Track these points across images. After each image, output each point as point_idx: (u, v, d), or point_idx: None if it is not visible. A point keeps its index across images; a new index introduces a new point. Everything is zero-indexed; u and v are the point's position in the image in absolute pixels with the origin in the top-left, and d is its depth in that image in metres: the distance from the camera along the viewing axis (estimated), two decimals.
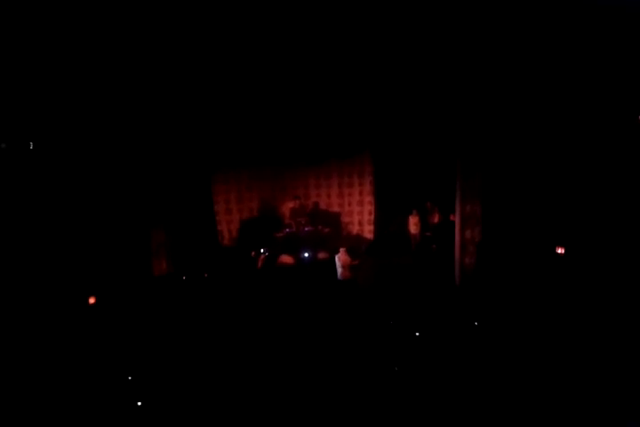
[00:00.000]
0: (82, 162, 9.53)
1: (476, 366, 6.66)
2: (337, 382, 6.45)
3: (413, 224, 13.10)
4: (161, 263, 11.22)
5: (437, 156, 12.05)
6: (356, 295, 10.07)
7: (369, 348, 7.42)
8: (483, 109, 9.71)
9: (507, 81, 9.07)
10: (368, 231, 14.08)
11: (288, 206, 13.92)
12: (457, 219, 10.52)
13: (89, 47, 7.62)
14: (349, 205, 14.25)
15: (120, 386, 6.59)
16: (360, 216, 14.23)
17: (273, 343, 7.76)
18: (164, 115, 9.99)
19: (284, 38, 7.87)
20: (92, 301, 9.02)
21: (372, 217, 13.95)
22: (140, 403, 6.13)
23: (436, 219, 13.17)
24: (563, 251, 9.59)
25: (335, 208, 14.34)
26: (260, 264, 11.16)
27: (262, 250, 11.59)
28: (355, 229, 14.28)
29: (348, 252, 10.61)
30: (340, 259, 10.52)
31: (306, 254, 11.89)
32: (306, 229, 13.30)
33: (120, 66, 8.26)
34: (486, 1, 7.11)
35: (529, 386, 6.06)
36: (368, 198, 13.96)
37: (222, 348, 7.71)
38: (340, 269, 10.54)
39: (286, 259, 12.21)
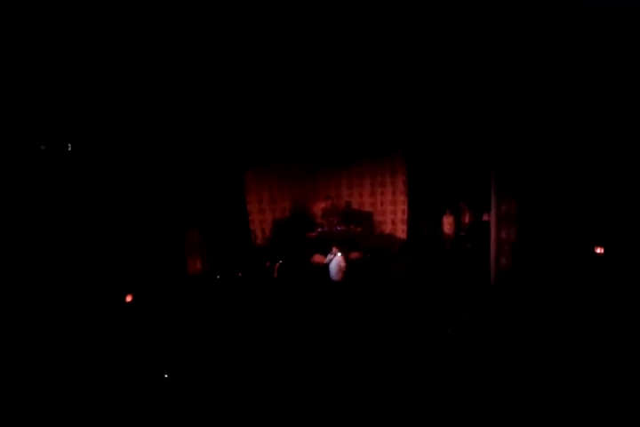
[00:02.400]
0: (121, 163, 9.73)
1: (506, 367, 6.54)
2: (366, 377, 6.44)
3: (448, 224, 12.94)
4: (195, 263, 11.38)
5: (471, 155, 11.86)
6: (386, 295, 10.02)
7: (399, 347, 7.38)
8: (518, 109, 9.51)
9: (543, 80, 8.88)
10: (401, 231, 13.96)
11: (320, 206, 13.95)
12: (492, 219, 10.33)
13: (123, 54, 7.78)
14: (382, 204, 14.17)
15: (154, 382, 6.73)
16: (393, 216, 14.12)
17: (303, 343, 7.80)
18: (198, 116, 10.12)
19: (319, 38, 7.86)
20: (128, 299, 9.21)
21: (406, 217, 13.82)
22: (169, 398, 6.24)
23: (468, 219, 12.97)
24: (602, 251, 9.30)
25: (367, 208, 14.28)
26: (275, 273, 11.13)
27: (278, 258, 11.48)
28: (388, 229, 14.18)
29: (342, 251, 10.52)
30: (336, 260, 10.31)
31: (338, 254, 11.85)
32: (338, 228, 13.29)
33: (154, 70, 8.41)
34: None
35: (560, 389, 5.92)
36: (401, 198, 13.84)
37: (253, 345, 7.79)
38: (334, 270, 10.31)
39: (319, 258, 12.22)
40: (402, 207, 13.88)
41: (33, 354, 7.25)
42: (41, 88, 8.09)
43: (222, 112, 10.19)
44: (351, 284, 10.50)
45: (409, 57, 8.58)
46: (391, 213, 14.11)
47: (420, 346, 7.41)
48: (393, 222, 14.13)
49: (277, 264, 11.18)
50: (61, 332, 7.91)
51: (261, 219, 14.08)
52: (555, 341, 7.18)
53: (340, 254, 10.33)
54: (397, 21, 7.36)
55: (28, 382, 6.62)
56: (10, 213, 8.20)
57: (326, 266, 10.58)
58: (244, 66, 8.69)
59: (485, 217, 11.65)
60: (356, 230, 13.42)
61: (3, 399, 6.15)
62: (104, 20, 6.87)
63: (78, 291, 8.73)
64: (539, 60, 8.40)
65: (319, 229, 13.41)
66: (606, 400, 5.66)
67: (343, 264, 10.31)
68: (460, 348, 7.27)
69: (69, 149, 9.10)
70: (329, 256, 10.50)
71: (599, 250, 9.43)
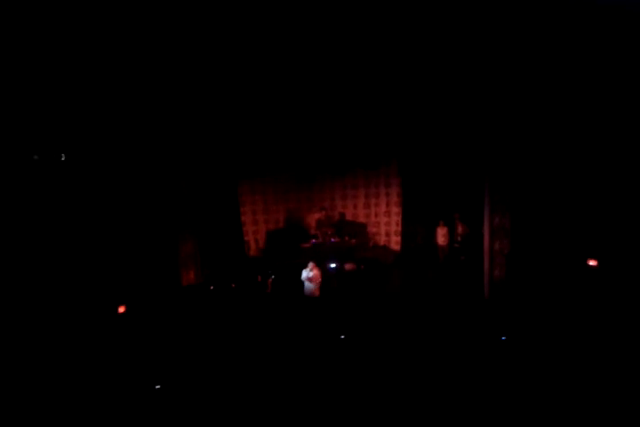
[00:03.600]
0: (115, 174, 9.72)
1: (500, 379, 6.53)
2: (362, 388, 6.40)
3: (441, 235, 12.96)
4: (189, 273, 11.32)
5: (465, 167, 11.94)
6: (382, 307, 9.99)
7: (393, 359, 7.36)
8: (512, 121, 9.59)
9: (540, 91, 8.97)
10: (395, 242, 13.98)
11: (314, 217, 13.96)
12: (485, 230, 10.37)
13: (118, 59, 7.82)
14: (376, 215, 14.19)
15: (146, 391, 6.67)
16: (387, 227, 14.15)
17: (294, 354, 7.77)
18: (193, 127, 10.16)
19: (312, 47, 7.92)
20: (121, 310, 9.14)
21: (400, 228, 13.84)
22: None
23: (462, 230, 13.01)
24: (595, 263, 9.35)
25: (361, 219, 14.30)
26: (269, 288, 11.08)
27: (270, 273, 11.45)
28: (382, 240, 14.20)
29: (319, 266, 10.35)
30: (309, 275, 10.09)
31: (332, 265, 11.85)
32: (332, 240, 13.29)
33: (148, 80, 8.45)
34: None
35: (553, 401, 5.92)
36: (395, 209, 13.87)
37: (247, 355, 7.74)
38: (310, 286, 10.09)
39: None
40: (396, 219, 13.90)
41: (27, 363, 7.18)
42: (33, 96, 8.09)
43: (216, 123, 10.23)
44: (333, 302, 10.36)
45: (404, 67, 8.67)
46: (385, 224, 14.13)
47: (414, 356, 7.40)
48: (387, 234, 14.14)
49: (270, 279, 11.16)
50: (54, 342, 7.85)
51: (255, 230, 14.06)
52: (548, 351, 7.19)
53: (314, 271, 10.11)
54: (392, 30, 7.41)
55: (21, 391, 6.55)
56: (2, 223, 8.16)
57: (335, 274, 10.47)
58: (238, 76, 8.75)
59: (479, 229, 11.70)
60: (351, 242, 13.41)
61: None
62: (99, 25, 6.91)
63: (71, 301, 8.68)
64: (533, 72, 8.48)
65: (313, 241, 13.39)
66: (599, 408, 5.66)
67: (317, 280, 10.13)
68: (455, 358, 7.26)
69: (62, 159, 9.08)
70: (305, 273, 10.18)
71: (592, 262, 9.47)
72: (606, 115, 8.94)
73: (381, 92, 9.53)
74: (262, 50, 7.94)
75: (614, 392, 6.00)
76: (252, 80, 8.89)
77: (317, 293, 10.18)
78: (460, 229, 13.05)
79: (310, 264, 10.23)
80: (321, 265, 10.91)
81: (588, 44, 7.63)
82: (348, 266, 12.28)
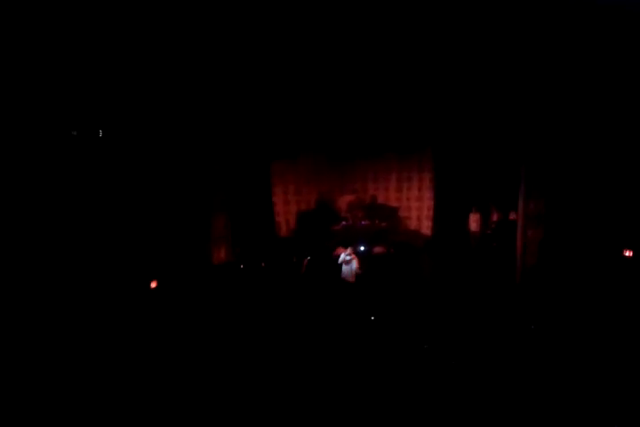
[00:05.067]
0: (149, 151, 9.89)
1: (528, 366, 6.46)
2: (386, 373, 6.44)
3: (474, 222, 12.79)
4: (220, 252, 11.50)
5: (500, 153, 11.69)
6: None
7: (419, 343, 7.35)
8: (550, 107, 9.33)
9: (574, 77, 8.74)
10: (426, 227, 13.87)
11: (345, 200, 13.95)
12: (519, 217, 10.18)
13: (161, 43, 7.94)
14: (408, 200, 14.09)
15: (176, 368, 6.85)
16: (419, 212, 14.04)
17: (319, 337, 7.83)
18: (228, 106, 10.22)
19: (351, 30, 7.86)
20: (153, 285, 9.38)
21: (431, 213, 13.71)
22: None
23: (495, 217, 12.81)
24: (631, 254, 9.09)
25: (393, 203, 14.22)
26: (303, 269, 11.12)
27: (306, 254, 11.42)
28: (412, 225, 14.11)
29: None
30: (347, 259, 10.02)
31: (362, 248, 11.85)
32: (362, 222, 13.28)
33: (183, 59, 8.54)
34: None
35: (582, 390, 5.83)
36: (427, 194, 13.74)
37: (274, 336, 7.85)
38: (347, 269, 10.03)
39: (342, 251, 12.21)
40: (427, 204, 13.78)
41: (57, 336, 7.45)
42: (76, 71, 8.27)
43: (252, 103, 10.27)
44: (364, 286, 10.25)
45: (444, 57, 8.57)
46: (416, 209, 14.02)
47: (440, 341, 7.38)
48: (418, 218, 14.04)
49: (306, 260, 11.18)
50: (85, 315, 8.12)
51: (286, 210, 14.12)
52: (577, 340, 7.07)
53: (354, 259, 10.06)
54: (430, 11, 7.34)
55: (52, 365, 6.80)
56: (43, 197, 8.42)
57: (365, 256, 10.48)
58: (275, 59, 8.75)
59: (512, 216, 11.47)
60: (381, 225, 13.37)
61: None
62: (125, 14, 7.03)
63: (105, 274, 8.94)
64: (566, 57, 8.31)
65: (344, 223, 13.40)
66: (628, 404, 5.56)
67: (356, 268, 10.04)
68: (483, 344, 7.21)
69: (100, 135, 9.28)
70: (343, 256, 10.14)
71: (628, 253, 9.22)
72: None
73: (419, 79, 9.41)
74: (300, 33, 7.91)
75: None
76: (290, 63, 8.87)
77: (353, 279, 10.08)
78: (493, 216, 12.85)
79: (349, 249, 10.15)
80: (351, 247, 10.92)
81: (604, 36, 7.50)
82: (377, 249, 12.26)
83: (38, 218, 8.34)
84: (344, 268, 10.15)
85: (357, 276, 10.08)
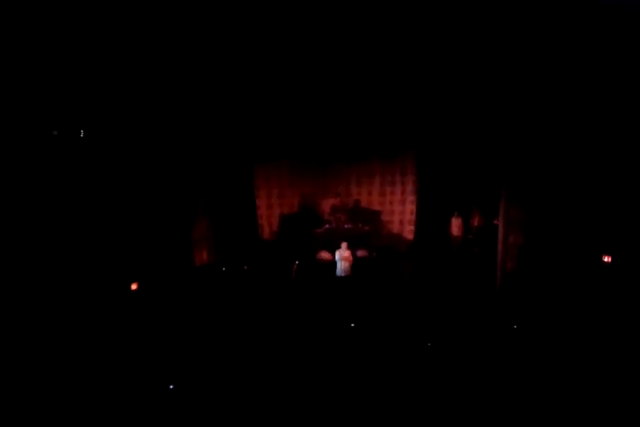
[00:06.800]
0: (130, 152, 9.78)
1: (509, 369, 6.53)
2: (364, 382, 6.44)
3: (456, 226, 12.90)
4: (202, 254, 11.42)
5: (482, 158, 11.82)
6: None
7: (398, 349, 7.38)
8: (531, 117, 9.46)
9: (555, 88, 8.87)
10: (408, 231, 13.93)
11: (329, 203, 13.95)
12: (500, 223, 10.31)
13: (144, 44, 7.86)
14: (390, 203, 14.13)
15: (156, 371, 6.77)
16: (401, 216, 14.09)
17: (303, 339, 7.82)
18: (212, 109, 10.16)
19: (335, 34, 7.87)
20: (134, 286, 9.27)
21: (414, 217, 13.79)
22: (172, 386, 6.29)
23: (476, 221, 12.92)
24: (609, 259, 9.25)
25: (376, 206, 14.24)
26: (293, 274, 11.20)
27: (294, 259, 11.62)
28: (395, 229, 14.15)
29: (350, 247, 10.93)
30: (344, 254, 10.75)
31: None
32: (345, 226, 13.29)
33: (165, 61, 8.48)
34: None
35: (561, 392, 5.91)
36: (410, 198, 13.81)
37: (253, 339, 7.82)
38: (343, 264, 10.71)
39: (325, 255, 12.24)
40: (410, 207, 13.85)
41: (38, 340, 7.32)
42: (59, 72, 8.15)
43: (235, 106, 10.22)
44: (358, 280, 10.68)
45: (426, 60, 8.61)
46: (399, 212, 14.07)
47: (422, 345, 7.42)
48: (401, 222, 14.10)
49: (295, 265, 11.27)
50: (66, 317, 7.99)
51: (269, 213, 14.07)
52: (557, 345, 7.16)
53: (348, 251, 10.63)
54: (414, 16, 7.36)
55: (33, 370, 6.67)
56: (20, 199, 8.26)
57: (333, 262, 10.74)
58: (259, 62, 8.72)
59: (495, 221, 11.61)
60: (364, 229, 13.40)
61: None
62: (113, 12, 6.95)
63: (85, 276, 8.81)
64: (550, 66, 8.40)
65: (326, 226, 13.41)
66: (608, 403, 5.65)
67: (350, 259, 10.73)
68: (463, 350, 7.26)
69: (81, 136, 9.15)
70: (339, 252, 10.71)
71: (607, 259, 9.38)
72: (623, 110, 8.81)
73: (401, 82, 9.46)
74: (285, 37, 7.90)
75: (620, 386, 5.98)
76: (273, 67, 8.86)
77: (351, 272, 10.72)
78: (474, 221, 12.97)
79: (343, 245, 10.82)
80: (333, 251, 10.98)
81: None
82: (360, 253, 12.28)
83: (15, 219, 8.19)
84: (340, 264, 10.65)
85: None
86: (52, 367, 6.71)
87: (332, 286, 10.53)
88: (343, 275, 10.73)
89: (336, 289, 10.41)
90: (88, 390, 6.24)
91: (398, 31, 7.89)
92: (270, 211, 14.10)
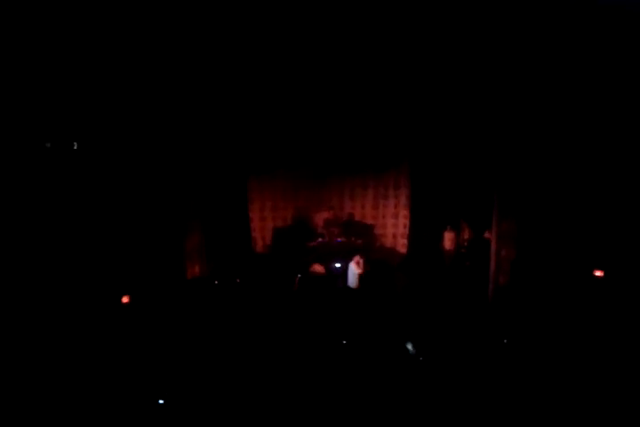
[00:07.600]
0: (122, 164, 9.77)
1: (500, 383, 6.51)
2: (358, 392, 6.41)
3: (449, 240, 12.92)
4: (194, 267, 11.36)
5: (475, 172, 11.89)
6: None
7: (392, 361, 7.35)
8: (524, 130, 9.53)
9: (549, 99, 8.93)
10: (402, 245, 13.95)
11: (322, 216, 13.96)
12: (493, 237, 10.34)
13: (135, 52, 7.89)
14: (384, 217, 14.17)
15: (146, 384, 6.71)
16: (394, 229, 14.12)
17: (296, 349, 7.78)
18: (205, 121, 10.20)
19: (328, 43, 7.93)
20: (125, 300, 9.21)
21: (407, 231, 13.81)
22: (161, 401, 6.23)
23: (467, 235, 12.97)
24: (601, 274, 9.29)
25: (369, 220, 14.28)
26: (295, 286, 11.24)
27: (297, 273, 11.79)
28: (388, 242, 14.18)
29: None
30: (356, 267, 11.12)
31: (337, 265, 11.87)
32: (338, 239, 13.29)
33: (159, 72, 8.52)
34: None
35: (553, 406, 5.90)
36: (403, 212, 13.84)
37: (246, 350, 7.77)
38: (354, 277, 11.00)
39: (318, 268, 12.21)
40: (403, 221, 13.87)
41: (28, 353, 7.24)
42: (50, 84, 8.16)
43: (228, 118, 10.27)
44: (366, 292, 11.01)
45: (419, 73, 8.67)
46: (392, 226, 14.11)
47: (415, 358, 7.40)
48: (394, 236, 14.12)
49: (297, 278, 11.38)
50: (56, 328, 7.92)
51: (262, 226, 14.06)
52: (547, 356, 7.16)
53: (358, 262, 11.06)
54: (408, 30, 7.41)
55: (23, 382, 6.59)
56: (9, 211, 8.22)
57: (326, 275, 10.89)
58: (253, 73, 8.78)
59: (487, 235, 11.64)
60: (357, 242, 13.40)
61: None
62: (105, 20, 6.98)
63: (75, 289, 8.75)
64: (543, 75, 8.43)
65: (320, 240, 13.41)
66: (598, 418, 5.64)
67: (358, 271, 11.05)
68: (454, 365, 7.24)
69: (75, 148, 9.15)
70: (352, 264, 11.19)
71: (599, 273, 9.42)
72: (617, 121, 8.87)
73: (395, 96, 9.54)
74: (276, 46, 7.96)
75: (612, 397, 5.98)
76: (267, 78, 8.92)
77: (358, 284, 11.13)
78: (467, 235, 13.01)
79: (356, 257, 11.28)
80: (326, 264, 11.00)
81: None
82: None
83: (7, 231, 8.15)
84: (352, 275, 11.03)
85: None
86: (42, 380, 6.62)
87: (333, 299, 10.70)
88: (354, 287, 11.14)
89: (343, 301, 10.67)
90: (78, 403, 6.17)
91: (392, 45, 7.96)
92: (263, 224, 14.09)
